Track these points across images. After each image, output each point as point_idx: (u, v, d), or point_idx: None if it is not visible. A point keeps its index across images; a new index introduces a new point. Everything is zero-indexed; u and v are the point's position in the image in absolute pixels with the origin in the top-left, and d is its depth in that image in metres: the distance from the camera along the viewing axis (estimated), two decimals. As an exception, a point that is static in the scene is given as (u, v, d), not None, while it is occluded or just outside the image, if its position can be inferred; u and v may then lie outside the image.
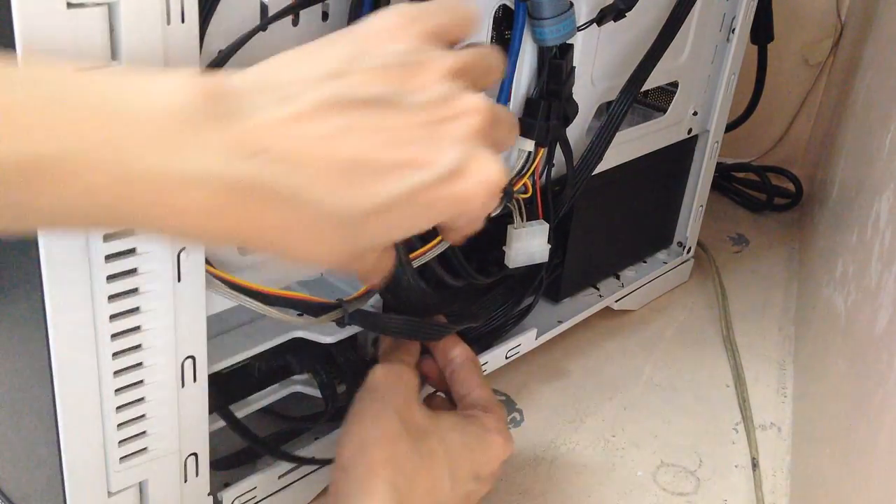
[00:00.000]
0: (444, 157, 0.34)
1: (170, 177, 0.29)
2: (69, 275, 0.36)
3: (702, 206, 0.79)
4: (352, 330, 0.51)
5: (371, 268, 0.42)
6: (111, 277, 0.37)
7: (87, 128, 0.28)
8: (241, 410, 0.51)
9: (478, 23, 0.40)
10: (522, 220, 0.54)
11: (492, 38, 0.51)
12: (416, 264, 0.49)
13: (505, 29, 0.52)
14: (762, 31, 0.86)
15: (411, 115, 0.34)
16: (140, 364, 0.40)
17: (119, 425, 0.40)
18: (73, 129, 0.28)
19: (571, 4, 0.45)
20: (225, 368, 0.48)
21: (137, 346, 0.40)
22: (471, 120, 0.35)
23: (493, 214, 0.52)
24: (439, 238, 0.49)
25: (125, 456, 0.41)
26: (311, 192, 0.32)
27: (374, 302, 0.51)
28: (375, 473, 0.43)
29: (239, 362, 0.48)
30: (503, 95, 0.51)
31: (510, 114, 0.41)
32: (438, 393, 0.54)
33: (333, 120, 0.32)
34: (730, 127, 0.87)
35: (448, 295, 0.56)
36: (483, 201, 0.35)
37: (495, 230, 0.53)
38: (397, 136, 0.33)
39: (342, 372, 0.54)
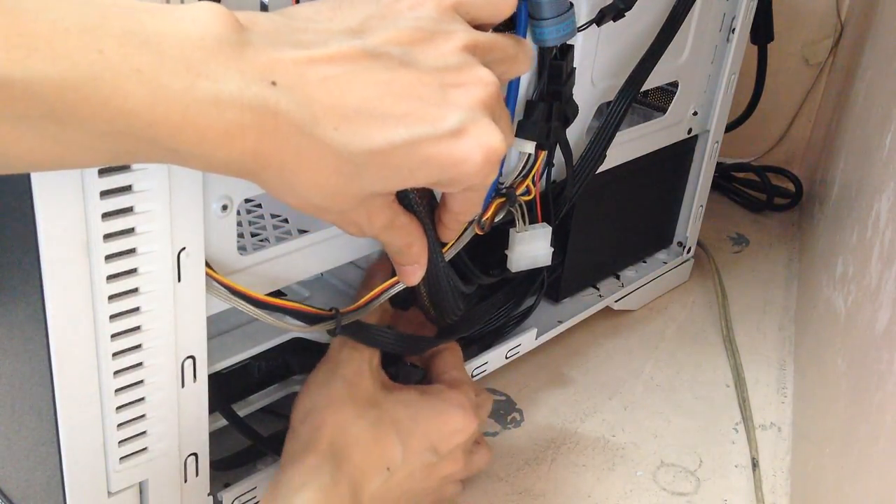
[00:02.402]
0: (447, 116, 0.36)
1: (196, 98, 0.30)
2: (69, 275, 0.36)
3: (702, 206, 0.79)
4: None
5: (392, 240, 0.43)
6: (111, 277, 0.37)
7: (120, 55, 0.29)
8: (242, 410, 0.51)
9: (511, 8, 0.40)
10: (525, 224, 0.54)
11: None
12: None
13: (506, 30, 0.52)
14: (762, 31, 0.86)
15: (422, 74, 0.36)
16: (140, 364, 0.40)
17: (119, 425, 0.41)
18: (106, 57, 0.29)
19: (571, 5, 0.45)
20: (225, 368, 0.48)
21: (137, 346, 0.40)
22: (478, 89, 0.37)
23: (497, 220, 0.52)
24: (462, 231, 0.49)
25: (125, 456, 0.42)
26: (319, 127, 0.33)
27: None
28: (319, 434, 0.45)
29: (239, 362, 0.48)
30: (511, 96, 0.50)
31: (508, 113, 0.42)
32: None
33: (345, 68, 0.34)
34: (730, 127, 0.87)
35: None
36: (479, 167, 0.37)
37: (494, 233, 0.53)
38: (405, 91, 0.35)
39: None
